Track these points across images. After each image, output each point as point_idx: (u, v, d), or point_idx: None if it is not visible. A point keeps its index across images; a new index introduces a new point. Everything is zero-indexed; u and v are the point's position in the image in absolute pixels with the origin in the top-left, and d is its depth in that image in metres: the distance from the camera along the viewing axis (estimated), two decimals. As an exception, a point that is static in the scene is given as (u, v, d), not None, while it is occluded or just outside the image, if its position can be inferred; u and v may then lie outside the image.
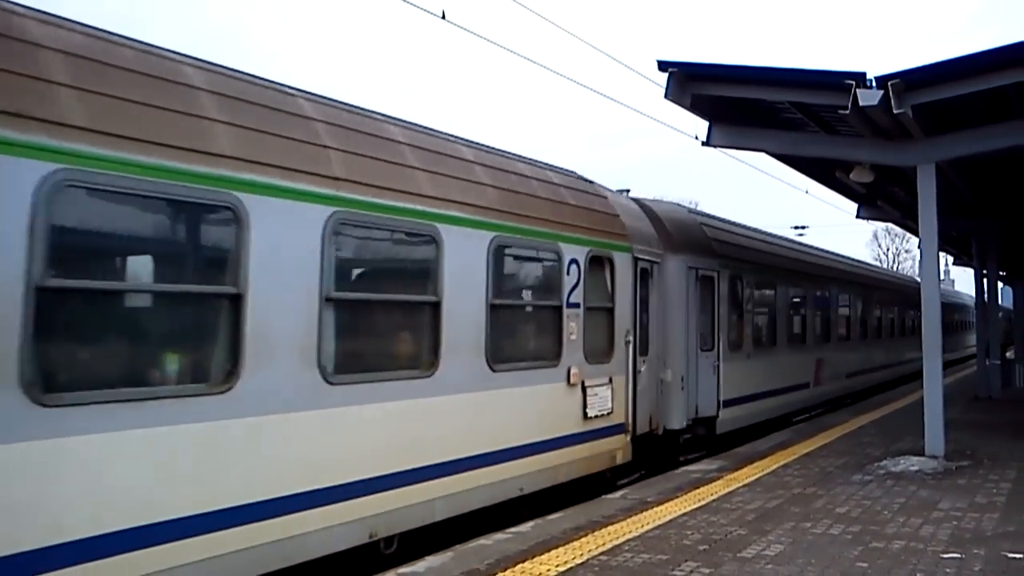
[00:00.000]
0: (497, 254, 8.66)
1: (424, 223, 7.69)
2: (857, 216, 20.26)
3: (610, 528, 7.82)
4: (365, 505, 6.89)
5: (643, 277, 11.53)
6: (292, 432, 6.29)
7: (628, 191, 13.91)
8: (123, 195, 5.32)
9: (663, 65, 10.99)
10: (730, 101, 11.86)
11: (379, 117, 7.96)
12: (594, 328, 10.19)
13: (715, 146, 12.68)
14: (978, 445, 12.46)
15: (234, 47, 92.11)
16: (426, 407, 7.61)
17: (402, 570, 6.62)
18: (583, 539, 7.41)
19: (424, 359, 7.74)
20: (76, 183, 5.02)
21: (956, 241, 24.67)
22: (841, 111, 10.34)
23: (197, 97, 5.96)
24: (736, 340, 14.67)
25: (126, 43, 5.81)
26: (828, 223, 68.80)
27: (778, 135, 12.90)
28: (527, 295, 9.51)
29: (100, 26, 5.74)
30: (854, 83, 9.92)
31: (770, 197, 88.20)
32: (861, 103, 9.94)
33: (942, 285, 20.76)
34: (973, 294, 25.56)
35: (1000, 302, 28.64)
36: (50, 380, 4.88)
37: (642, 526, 7.89)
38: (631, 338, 10.94)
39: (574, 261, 9.76)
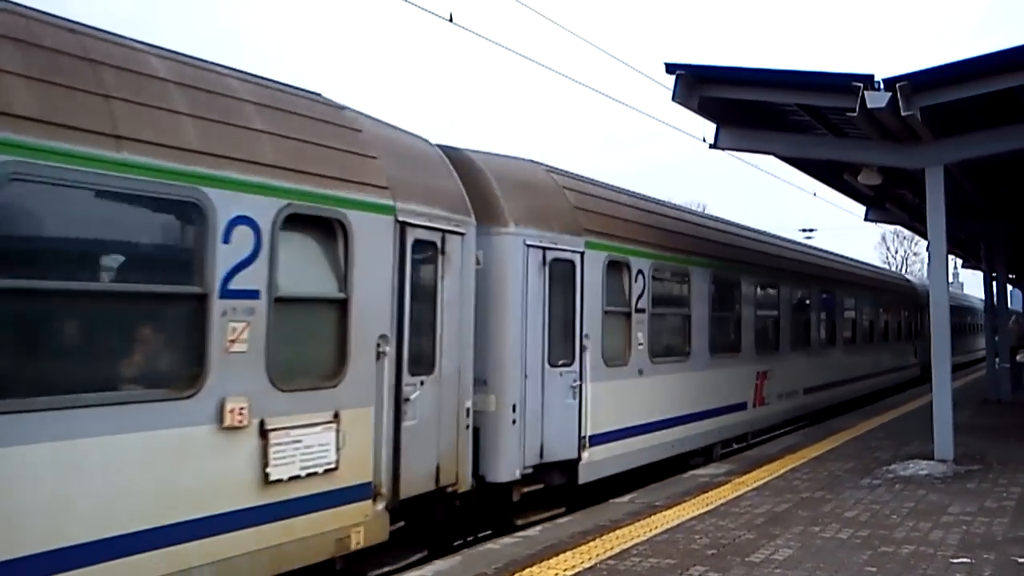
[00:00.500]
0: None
1: None
2: (865, 219, 20.17)
3: (618, 532, 7.82)
4: None
5: (423, 254, 7.94)
6: None
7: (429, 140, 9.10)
8: None
9: (670, 67, 10.99)
10: (737, 103, 11.84)
11: None
12: (296, 331, 6.59)
13: (723, 148, 12.68)
14: (988, 449, 12.40)
15: (237, 48, 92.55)
16: None
17: (409, 575, 6.62)
18: (591, 543, 7.41)
19: None
20: None
21: (965, 244, 24.58)
22: (849, 113, 10.31)
23: None
24: (618, 350, 11.06)
25: None
26: (837, 226, 68.67)
27: (785, 137, 12.88)
28: (105, 275, 5.59)
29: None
30: (862, 85, 9.90)
31: (779, 200, 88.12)
32: (869, 105, 9.91)
33: (950, 288, 20.58)
34: (982, 296, 25.36)
35: (1009, 305, 28.46)
36: None
37: (650, 530, 7.88)
38: (388, 348, 7.27)
39: (243, 221, 6.04)
